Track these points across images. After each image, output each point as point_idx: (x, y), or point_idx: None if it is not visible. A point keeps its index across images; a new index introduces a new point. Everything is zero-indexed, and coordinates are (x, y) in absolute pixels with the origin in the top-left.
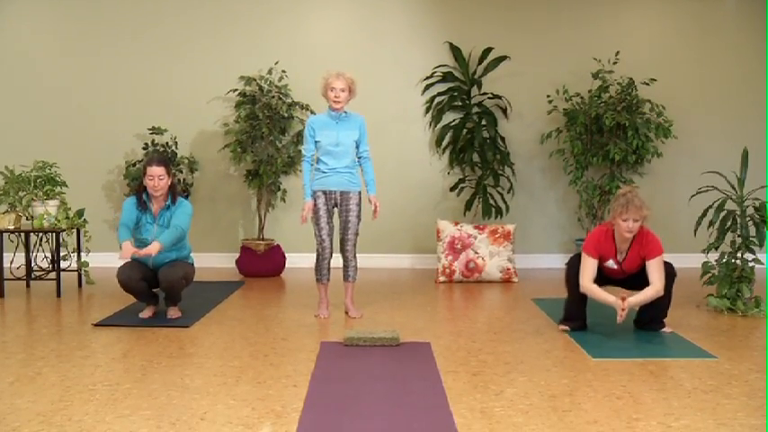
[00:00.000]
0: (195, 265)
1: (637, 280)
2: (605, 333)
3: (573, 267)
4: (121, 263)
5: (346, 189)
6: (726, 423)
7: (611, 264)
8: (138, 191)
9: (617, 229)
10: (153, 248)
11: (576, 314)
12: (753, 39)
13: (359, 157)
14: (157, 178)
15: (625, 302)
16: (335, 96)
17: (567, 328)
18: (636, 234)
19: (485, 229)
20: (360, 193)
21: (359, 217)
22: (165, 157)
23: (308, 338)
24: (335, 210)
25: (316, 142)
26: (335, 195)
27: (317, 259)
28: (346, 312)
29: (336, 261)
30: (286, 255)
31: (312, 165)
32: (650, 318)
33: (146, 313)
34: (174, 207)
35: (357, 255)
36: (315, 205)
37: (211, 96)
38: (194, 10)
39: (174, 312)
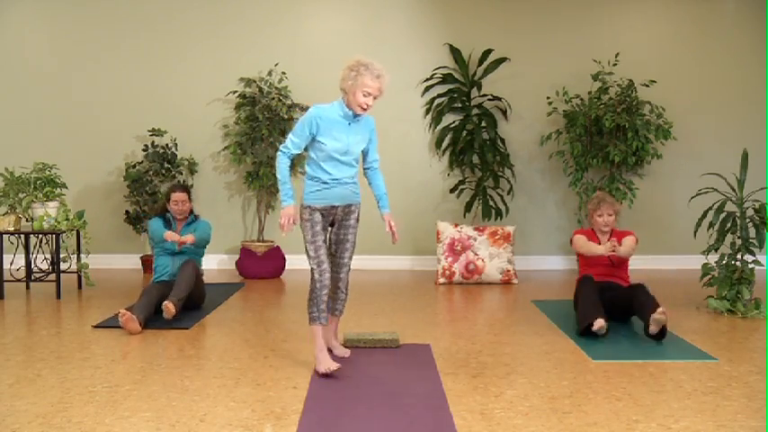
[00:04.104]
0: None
1: (625, 300)
2: (605, 335)
3: (580, 285)
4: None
5: (350, 202)
6: (726, 425)
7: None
8: (161, 213)
9: (595, 227)
10: (189, 238)
11: (595, 311)
12: (752, 40)
13: (367, 168)
14: (181, 203)
15: (616, 247)
16: (366, 103)
17: (603, 324)
18: (613, 229)
19: (484, 231)
20: (360, 205)
21: (355, 236)
22: (186, 185)
23: (307, 340)
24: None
25: (315, 142)
26: (336, 210)
27: (313, 290)
28: (330, 351)
29: None
30: (286, 256)
31: (292, 161)
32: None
33: (127, 319)
34: (196, 223)
35: (355, 256)
36: (311, 217)
37: (211, 98)
38: (194, 12)
39: (169, 307)
